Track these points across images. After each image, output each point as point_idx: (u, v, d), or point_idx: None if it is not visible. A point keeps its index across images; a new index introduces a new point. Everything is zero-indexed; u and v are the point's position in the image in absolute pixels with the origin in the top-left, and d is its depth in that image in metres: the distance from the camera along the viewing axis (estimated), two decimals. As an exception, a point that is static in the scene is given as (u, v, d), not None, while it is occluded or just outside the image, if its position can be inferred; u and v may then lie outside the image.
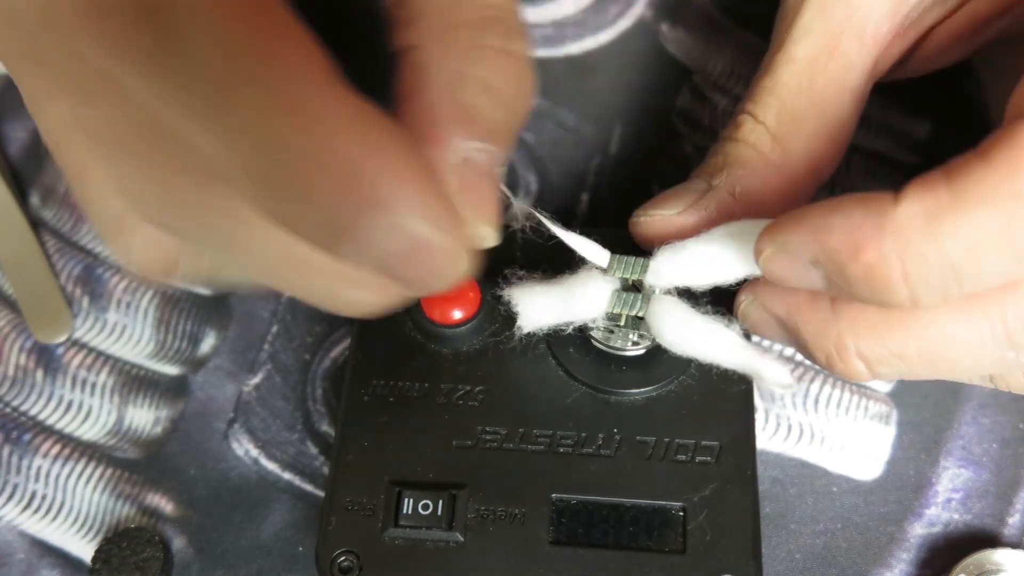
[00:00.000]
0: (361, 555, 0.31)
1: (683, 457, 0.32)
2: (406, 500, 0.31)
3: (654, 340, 0.32)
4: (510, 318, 0.33)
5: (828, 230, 0.25)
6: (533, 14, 0.45)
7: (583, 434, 0.32)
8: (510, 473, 0.32)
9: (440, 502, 0.31)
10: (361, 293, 0.25)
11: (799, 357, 0.38)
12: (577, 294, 0.31)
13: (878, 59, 0.33)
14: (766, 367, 0.30)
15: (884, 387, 0.38)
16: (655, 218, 0.32)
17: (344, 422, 0.33)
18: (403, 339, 0.34)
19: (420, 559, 0.30)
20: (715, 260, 0.31)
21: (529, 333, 0.33)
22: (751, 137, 0.32)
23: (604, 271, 0.32)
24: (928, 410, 0.38)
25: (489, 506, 0.31)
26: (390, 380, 0.33)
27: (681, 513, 0.31)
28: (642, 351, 0.32)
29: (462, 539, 0.31)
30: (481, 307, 0.34)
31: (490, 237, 0.28)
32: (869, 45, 0.33)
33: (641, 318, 0.31)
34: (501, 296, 0.32)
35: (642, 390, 0.33)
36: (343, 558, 0.31)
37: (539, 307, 0.32)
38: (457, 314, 0.34)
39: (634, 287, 0.32)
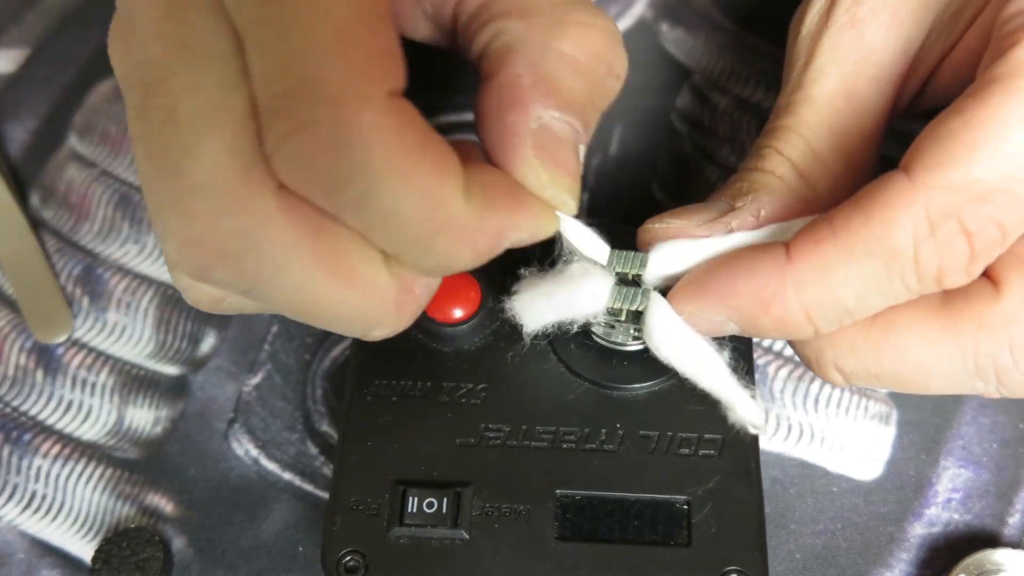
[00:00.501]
0: (367, 554, 0.30)
1: (686, 451, 0.32)
2: (411, 499, 0.31)
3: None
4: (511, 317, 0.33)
5: (736, 294, 0.29)
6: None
7: (586, 430, 0.32)
8: (514, 470, 0.32)
9: (445, 500, 0.31)
10: (377, 330, 0.28)
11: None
12: (577, 290, 0.31)
13: (895, 98, 0.33)
14: (742, 402, 0.31)
15: (884, 386, 0.38)
16: (672, 225, 0.32)
17: (347, 422, 0.33)
18: (404, 338, 0.34)
19: (426, 557, 0.30)
20: (714, 255, 0.31)
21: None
22: (779, 169, 0.32)
23: (603, 266, 0.32)
24: (928, 410, 0.38)
25: (494, 503, 0.31)
26: (392, 379, 0.33)
27: (686, 507, 0.31)
28: (643, 346, 0.32)
29: (467, 537, 0.31)
30: (482, 305, 0.34)
31: (569, 204, 0.29)
32: (884, 86, 0.33)
33: (641, 313, 0.31)
34: (503, 306, 0.32)
35: (644, 385, 0.33)
36: (349, 558, 0.30)
37: (540, 308, 0.32)
38: (458, 312, 0.34)
39: (633, 282, 0.32)
